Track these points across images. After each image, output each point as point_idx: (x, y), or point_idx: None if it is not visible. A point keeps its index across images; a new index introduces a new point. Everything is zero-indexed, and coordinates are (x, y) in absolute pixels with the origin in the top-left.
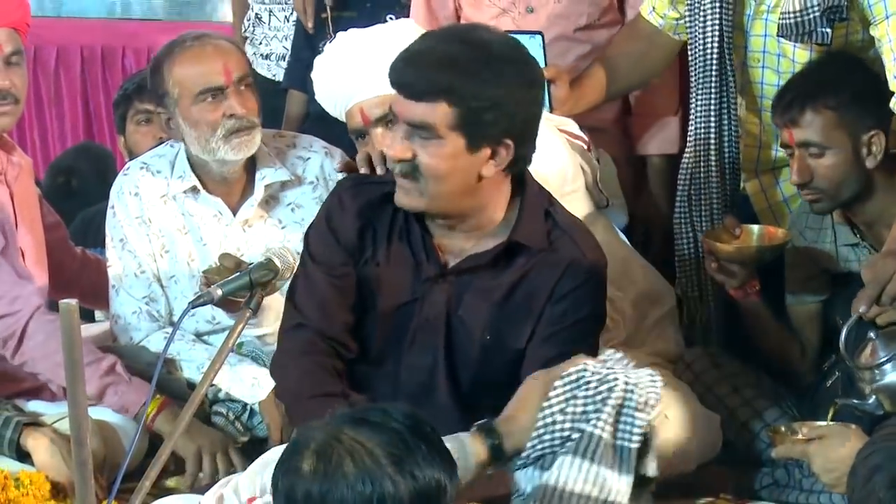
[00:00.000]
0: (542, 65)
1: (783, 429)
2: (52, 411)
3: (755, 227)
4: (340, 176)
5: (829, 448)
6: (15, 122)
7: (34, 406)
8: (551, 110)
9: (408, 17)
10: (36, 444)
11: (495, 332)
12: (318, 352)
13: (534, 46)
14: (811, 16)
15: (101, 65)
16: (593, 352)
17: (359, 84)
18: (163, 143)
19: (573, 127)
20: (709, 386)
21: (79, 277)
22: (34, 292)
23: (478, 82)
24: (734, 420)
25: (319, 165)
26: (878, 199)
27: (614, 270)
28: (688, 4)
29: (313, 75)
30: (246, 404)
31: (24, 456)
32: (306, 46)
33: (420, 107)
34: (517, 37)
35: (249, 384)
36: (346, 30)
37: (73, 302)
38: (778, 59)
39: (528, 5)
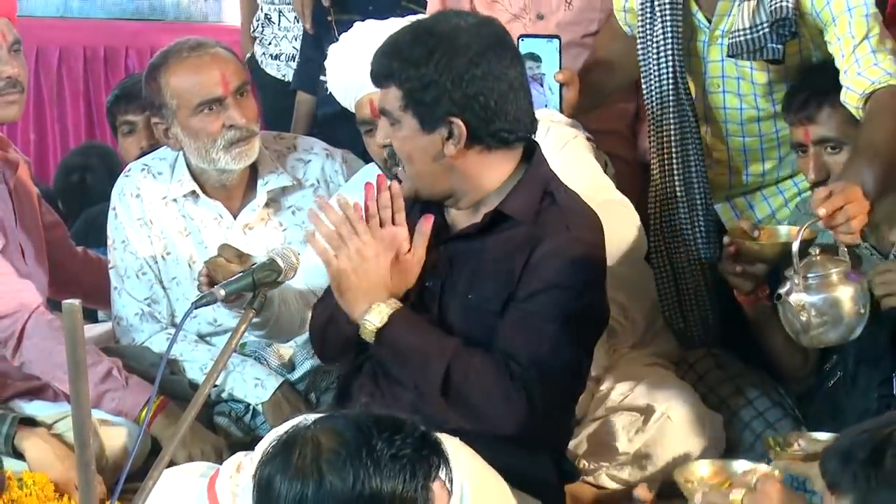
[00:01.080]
0: (557, 68)
1: (772, 442)
2: (54, 411)
3: (781, 227)
4: (342, 178)
5: None
6: (21, 111)
7: (36, 406)
8: (562, 112)
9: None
10: (29, 443)
11: (476, 294)
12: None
13: (550, 50)
14: (760, 32)
15: (103, 65)
16: (564, 327)
17: (367, 76)
18: (146, 153)
19: (579, 129)
20: (711, 386)
21: (80, 277)
22: (33, 292)
23: (412, 63)
24: (737, 421)
25: (320, 168)
26: (888, 200)
27: (633, 273)
28: (640, 38)
29: (327, 64)
30: (249, 405)
31: (20, 454)
32: (314, 48)
33: (380, 93)
34: (533, 40)
35: (252, 385)
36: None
37: (77, 302)
38: (738, 83)
39: (539, 12)
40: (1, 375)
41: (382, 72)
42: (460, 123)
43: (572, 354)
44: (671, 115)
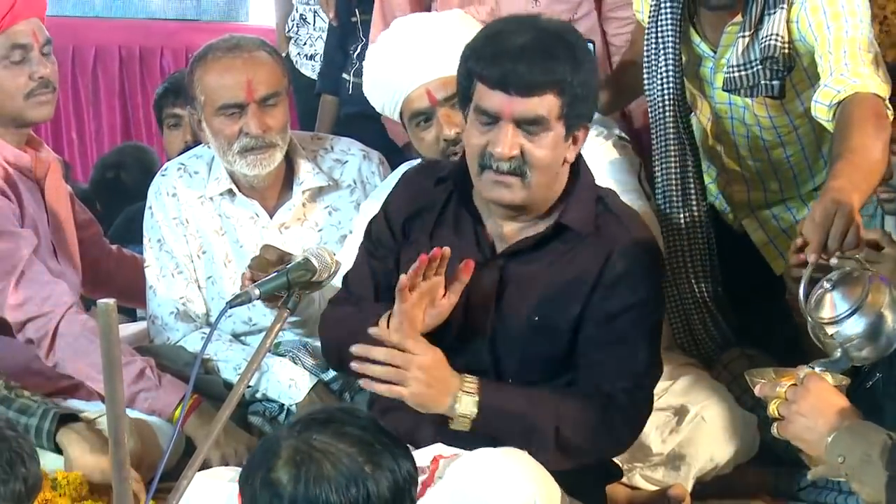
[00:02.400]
0: None
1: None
2: (91, 409)
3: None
4: (378, 179)
5: None
6: (53, 111)
7: (71, 405)
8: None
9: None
10: (68, 439)
11: (543, 314)
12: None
13: None
14: (753, 69)
15: (138, 65)
16: (650, 339)
17: (423, 66)
18: (190, 147)
19: (612, 128)
20: (746, 388)
21: (114, 275)
22: (66, 291)
23: (581, 71)
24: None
25: (357, 168)
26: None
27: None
28: (644, 66)
29: (365, 65)
30: (283, 405)
31: (60, 449)
32: (338, 51)
33: (531, 101)
34: None
35: (287, 385)
36: None
37: (111, 301)
38: (743, 112)
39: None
40: (36, 374)
41: (545, 81)
42: (588, 126)
43: (657, 363)
44: (671, 146)
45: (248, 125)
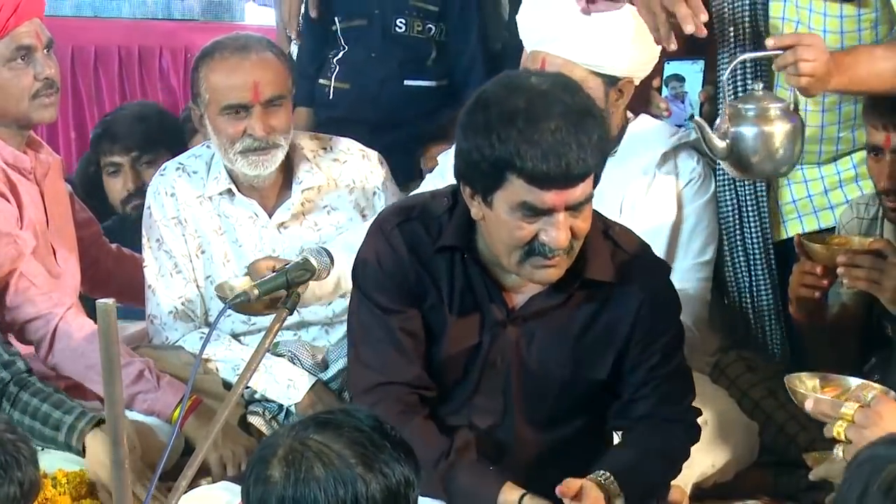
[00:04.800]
0: (700, 87)
1: (818, 455)
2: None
3: (854, 238)
4: (377, 179)
5: None
6: (56, 112)
7: None
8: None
9: (412, 19)
10: (96, 440)
11: (575, 367)
12: (414, 409)
13: (695, 70)
14: None
15: (137, 65)
16: (684, 352)
17: (559, 34)
18: (132, 195)
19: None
20: (744, 391)
21: (113, 274)
22: (65, 292)
23: (602, 128)
24: (771, 423)
25: (356, 168)
26: None
27: None
28: None
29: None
30: (282, 405)
31: (77, 450)
32: (311, 62)
33: (580, 186)
34: (678, 62)
35: (285, 385)
36: (357, 39)
37: (111, 302)
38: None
39: None
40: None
41: (592, 161)
42: None
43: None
44: None
45: (252, 127)
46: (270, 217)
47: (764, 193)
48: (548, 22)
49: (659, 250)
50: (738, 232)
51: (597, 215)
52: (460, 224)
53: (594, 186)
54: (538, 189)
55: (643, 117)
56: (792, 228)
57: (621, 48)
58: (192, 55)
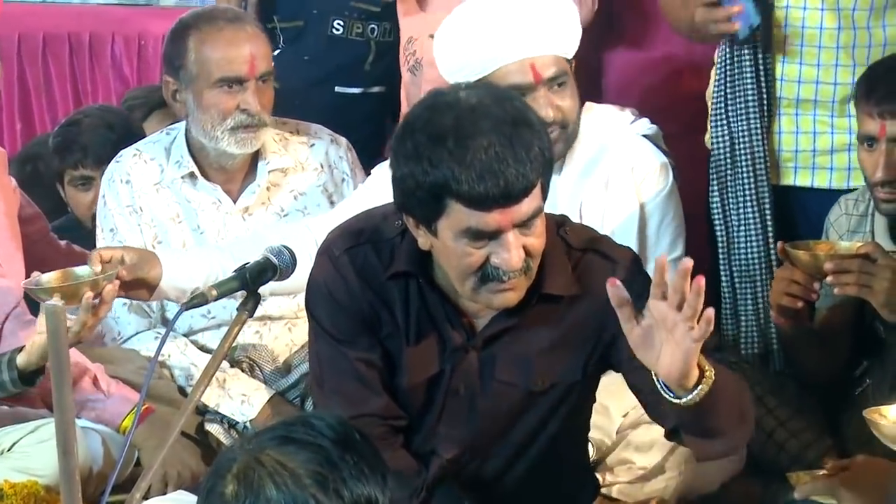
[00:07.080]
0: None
1: (802, 475)
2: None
3: (841, 242)
4: (346, 164)
5: (857, 482)
6: None
7: (18, 412)
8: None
9: (351, 20)
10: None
11: (546, 378)
12: (386, 441)
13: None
14: None
15: (88, 52)
16: None
17: (534, 39)
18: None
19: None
20: None
21: None
22: (9, 291)
23: (543, 138)
24: (760, 430)
25: (324, 152)
26: None
27: None
28: None
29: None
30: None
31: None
32: None
33: (525, 202)
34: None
35: (239, 402)
36: (294, 40)
37: (60, 303)
38: None
39: None
40: None
41: (533, 175)
42: None
43: None
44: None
45: (246, 101)
46: (235, 202)
47: (759, 138)
48: (518, 32)
49: None
50: (728, 175)
51: (548, 216)
52: (413, 249)
53: (544, 198)
54: (480, 211)
55: (588, 106)
56: (785, 177)
57: (572, 22)
58: (146, 42)
